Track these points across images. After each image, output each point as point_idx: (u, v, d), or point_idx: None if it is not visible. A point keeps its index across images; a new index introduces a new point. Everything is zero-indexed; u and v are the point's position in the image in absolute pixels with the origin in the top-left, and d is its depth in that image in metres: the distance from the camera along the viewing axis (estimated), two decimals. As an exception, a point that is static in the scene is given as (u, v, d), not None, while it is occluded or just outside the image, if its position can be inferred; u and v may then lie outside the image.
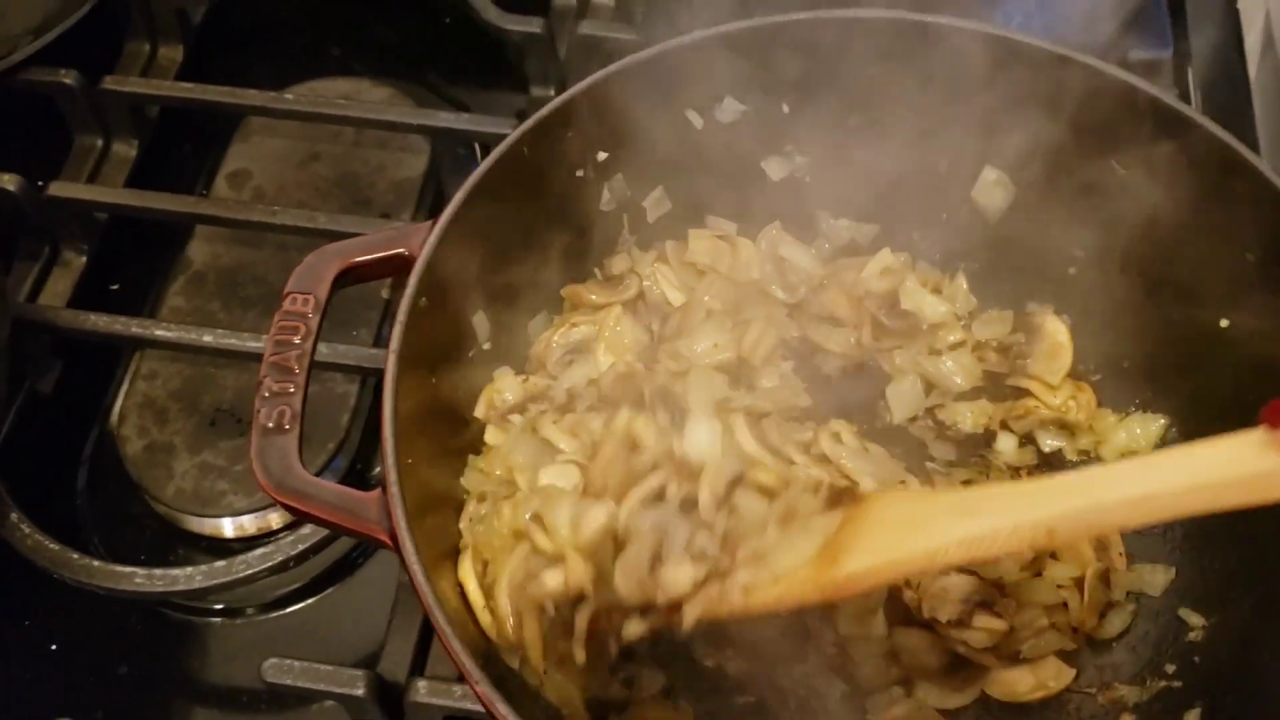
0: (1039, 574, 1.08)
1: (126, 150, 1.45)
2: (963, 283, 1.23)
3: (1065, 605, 1.06)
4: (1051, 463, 1.16)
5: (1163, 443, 1.14)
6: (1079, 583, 1.07)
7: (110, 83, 1.43)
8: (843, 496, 0.91)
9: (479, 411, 1.09)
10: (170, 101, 1.46)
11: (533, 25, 1.45)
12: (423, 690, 1.03)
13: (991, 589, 1.05)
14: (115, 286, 1.39)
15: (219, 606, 1.19)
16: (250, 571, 1.10)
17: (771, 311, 1.19)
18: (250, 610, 1.19)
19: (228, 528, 1.21)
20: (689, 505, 0.92)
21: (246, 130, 1.48)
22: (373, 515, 0.87)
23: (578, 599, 0.91)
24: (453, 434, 1.06)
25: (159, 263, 1.39)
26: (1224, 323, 1.05)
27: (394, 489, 0.86)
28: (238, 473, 1.22)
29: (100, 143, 1.45)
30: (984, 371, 1.20)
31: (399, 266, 0.97)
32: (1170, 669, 1.03)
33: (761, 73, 1.13)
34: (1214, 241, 1.04)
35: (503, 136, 1.04)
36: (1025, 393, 1.18)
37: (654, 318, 1.18)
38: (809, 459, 1.07)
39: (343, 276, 0.96)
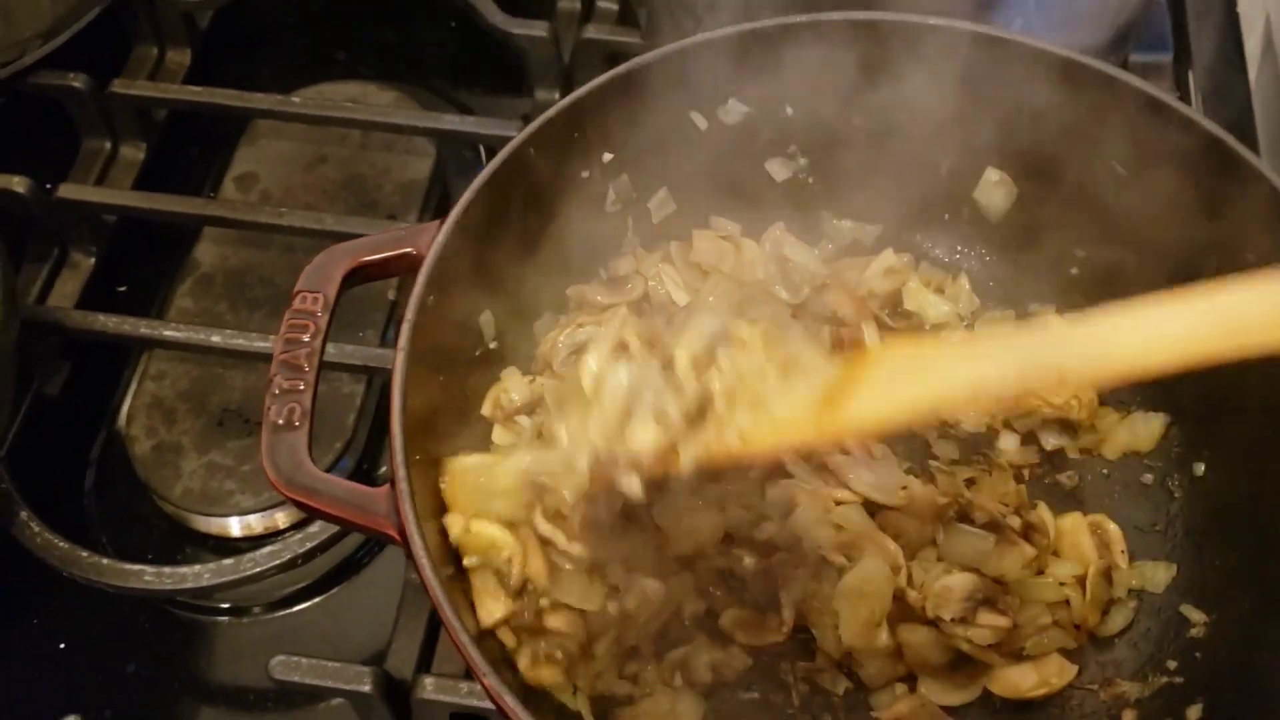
0: (1041, 572, 1.08)
1: (134, 153, 1.46)
2: (965, 283, 1.23)
3: (1067, 602, 1.07)
4: (1053, 461, 1.17)
5: (1164, 441, 1.15)
6: (1081, 580, 1.07)
7: (118, 86, 1.44)
8: (845, 342, 0.90)
9: (485, 410, 1.10)
10: (178, 105, 1.47)
11: (537, 29, 1.46)
12: (430, 687, 1.03)
13: (994, 586, 1.06)
14: (123, 288, 1.40)
15: (226, 605, 1.19)
16: (258, 570, 1.11)
17: (775, 311, 1.20)
18: (257, 609, 1.19)
19: (235, 527, 1.22)
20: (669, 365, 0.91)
21: (253, 133, 1.49)
22: (382, 510, 0.87)
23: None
24: (459, 432, 1.07)
25: (167, 264, 1.40)
26: (1224, 321, 1.05)
27: (403, 485, 0.86)
28: (245, 472, 1.23)
29: (108, 145, 1.45)
30: (986, 370, 1.20)
31: (407, 266, 0.98)
32: (1172, 665, 1.04)
33: (765, 75, 1.14)
34: (1214, 241, 1.04)
35: (508, 139, 1.05)
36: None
37: (659, 318, 1.19)
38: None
39: (351, 276, 0.97)
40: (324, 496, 0.88)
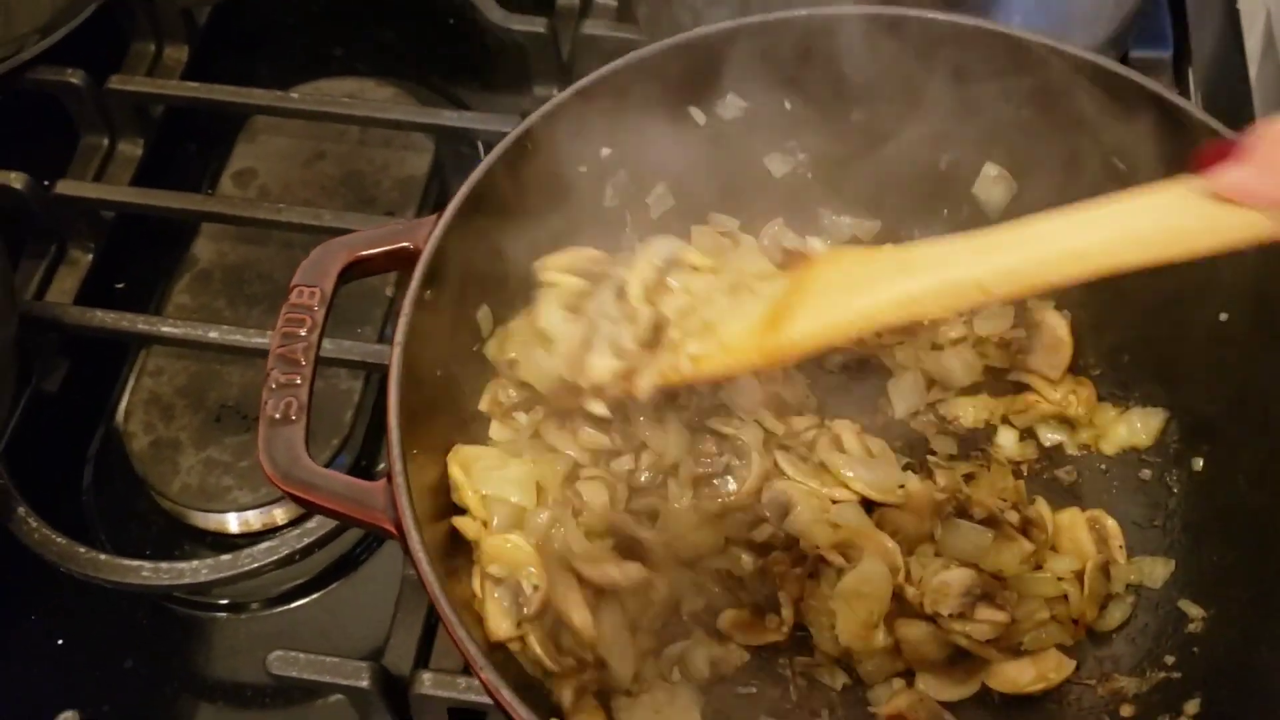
0: (1039, 567, 1.08)
1: (132, 149, 1.46)
2: (964, 279, 1.23)
3: (1065, 598, 1.07)
4: (1052, 457, 1.17)
5: (1163, 437, 1.15)
6: (1079, 575, 1.07)
7: (116, 82, 1.44)
8: (792, 259, 0.94)
9: (483, 406, 1.10)
10: (176, 101, 1.47)
11: (536, 25, 1.46)
12: (427, 682, 1.03)
13: (992, 582, 1.06)
14: (121, 284, 1.40)
15: (224, 601, 1.19)
16: (255, 565, 1.11)
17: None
18: (255, 605, 1.19)
19: (233, 523, 1.22)
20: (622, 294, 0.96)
21: (252, 130, 1.49)
22: (378, 504, 0.87)
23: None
24: (457, 427, 1.07)
25: (165, 261, 1.39)
26: (1223, 316, 1.05)
27: (399, 479, 0.86)
28: (243, 468, 1.22)
29: (106, 142, 1.45)
30: (985, 367, 1.20)
31: (404, 260, 0.98)
32: (1170, 660, 1.04)
33: (763, 69, 1.13)
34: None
35: (506, 135, 1.05)
36: (1026, 387, 1.18)
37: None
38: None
39: (348, 270, 0.97)
40: (320, 491, 0.88)
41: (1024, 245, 0.81)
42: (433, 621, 1.09)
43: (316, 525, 1.13)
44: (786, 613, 1.05)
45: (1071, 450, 1.17)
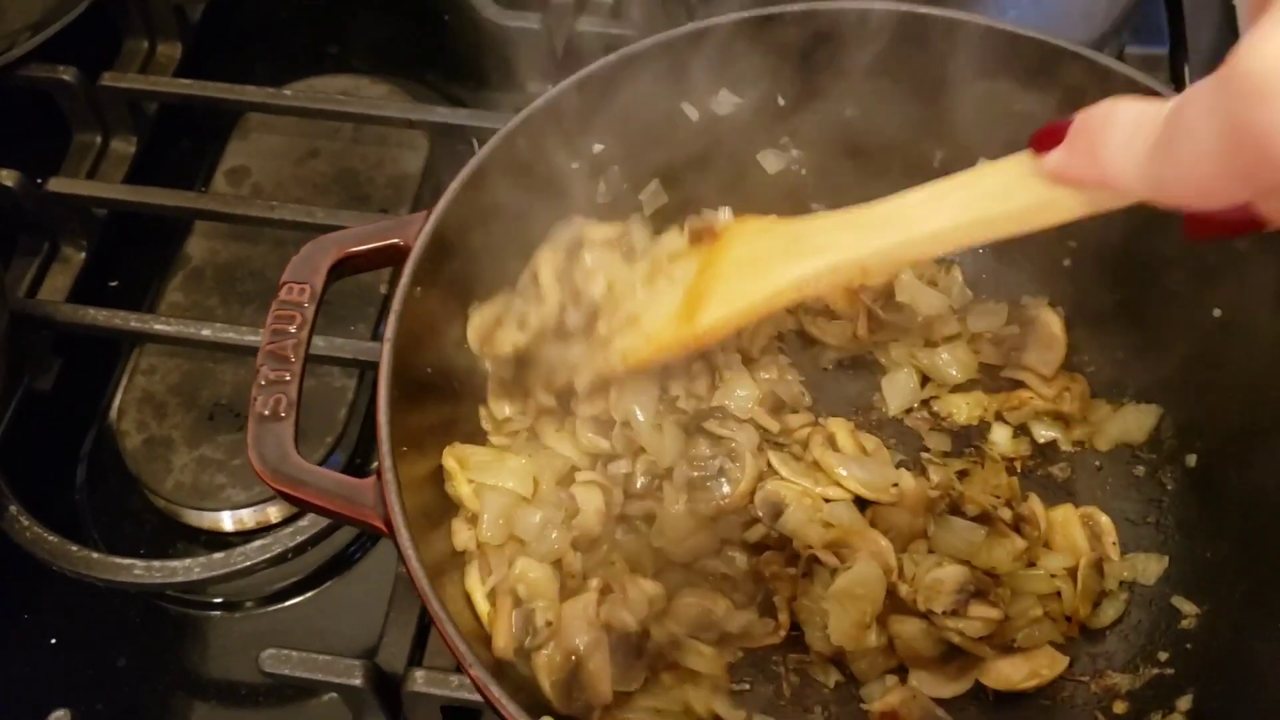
0: (1033, 564, 1.08)
1: (125, 147, 1.46)
2: (958, 275, 1.23)
3: (1059, 595, 1.07)
4: (1046, 453, 1.17)
5: (1156, 433, 1.15)
6: (1072, 572, 1.07)
7: (109, 79, 1.44)
8: (702, 234, 0.99)
9: (484, 425, 1.11)
10: (169, 98, 1.47)
11: (530, 21, 1.46)
12: (420, 680, 1.03)
13: (986, 579, 1.06)
14: (114, 282, 1.40)
15: (218, 600, 1.19)
16: (248, 563, 1.11)
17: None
18: (249, 603, 1.19)
19: (227, 521, 1.21)
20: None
21: (245, 127, 1.49)
22: (368, 501, 0.87)
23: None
24: (448, 425, 1.06)
25: (158, 259, 1.39)
26: (1216, 312, 1.05)
27: (389, 475, 0.86)
28: (236, 466, 1.22)
29: (99, 139, 1.45)
30: (979, 364, 1.20)
31: (395, 256, 0.98)
32: (1163, 656, 1.04)
33: (757, 65, 1.13)
34: (1207, 231, 1.04)
35: (499, 131, 1.05)
36: (1020, 384, 1.18)
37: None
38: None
39: (339, 266, 0.97)
40: (310, 487, 0.87)
41: (892, 228, 0.87)
42: (426, 620, 1.09)
43: (309, 523, 1.12)
44: (783, 617, 1.05)
45: (1065, 447, 1.17)
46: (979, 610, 1.03)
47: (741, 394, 1.14)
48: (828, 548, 1.06)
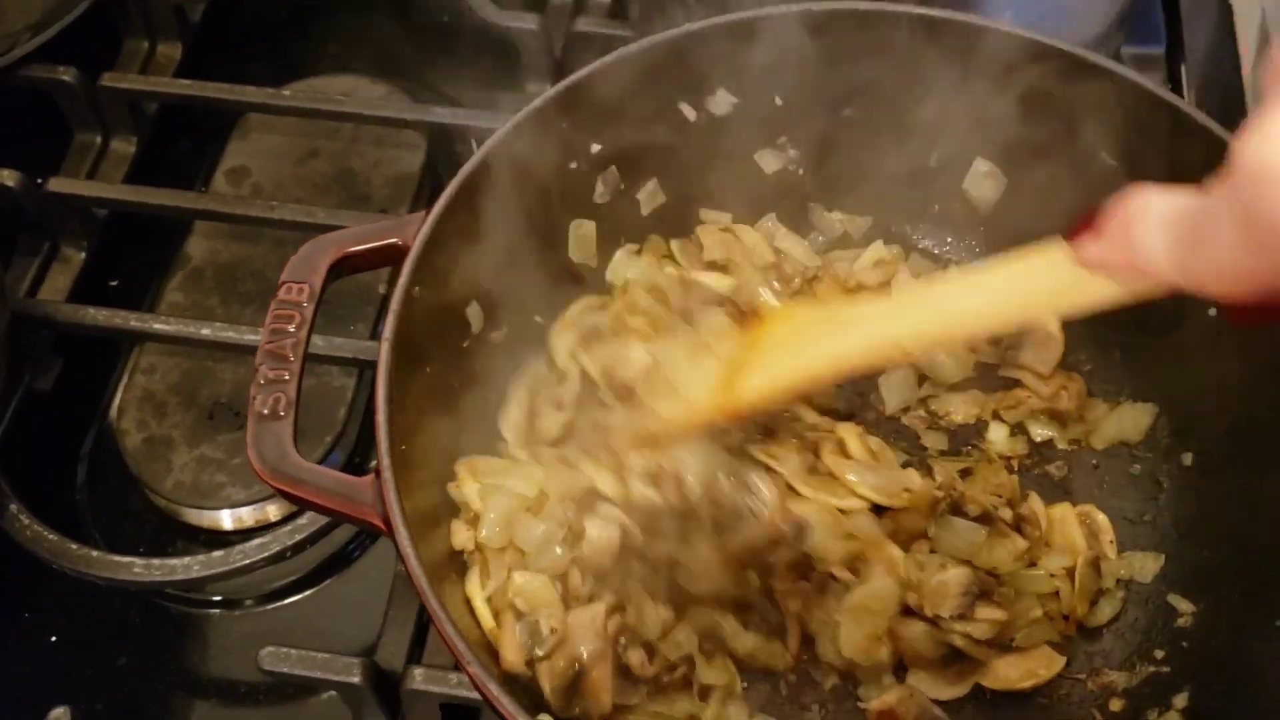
0: (1033, 564, 1.08)
1: (125, 147, 1.46)
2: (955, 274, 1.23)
3: (1057, 594, 1.07)
4: (1042, 452, 1.17)
5: (1153, 432, 1.15)
6: (1070, 571, 1.07)
7: (109, 79, 1.44)
8: (748, 316, 1.01)
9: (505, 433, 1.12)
10: (169, 98, 1.47)
11: (529, 22, 1.46)
12: (419, 678, 1.03)
13: (989, 579, 1.05)
14: (114, 282, 1.40)
15: (217, 598, 1.19)
16: (248, 561, 1.11)
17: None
18: (248, 602, 1.19)
19: (226, 520, 1.21)
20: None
21: (245, 127, 1.49)
22: (367, 499, 0.87)
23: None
24: (446, 422, 1.06)
25: (158, 259, 1.39)
26: (1212, 311, 1.05)
27: (387, 473, 0.86)
28: (236, 465, 1.22)
29: (99, 139, 1.45)
30: (976, 362, 1.20)
31: (393, 256, 0.98)
32: (1159, 654, 1.04)
33: (754, 65, 1.13)
34: (1202, 230, 1.04)
35: (497, 131, 1.05)
36: (1016, 383, 1.18)
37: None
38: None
39: (337, 266, 0.97)
40: (309, 486, 0.88)
41: (930, 308, 0.88)
42: (425, 618, 1.09)
43: (309, 522, 1.12)
44: (793, 641, 1.04)
45: (1062, 445, 1.17)
46: (985, 612, 1.03)
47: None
48: (844, 564, 1.05)
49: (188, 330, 1.25)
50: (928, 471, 1.14)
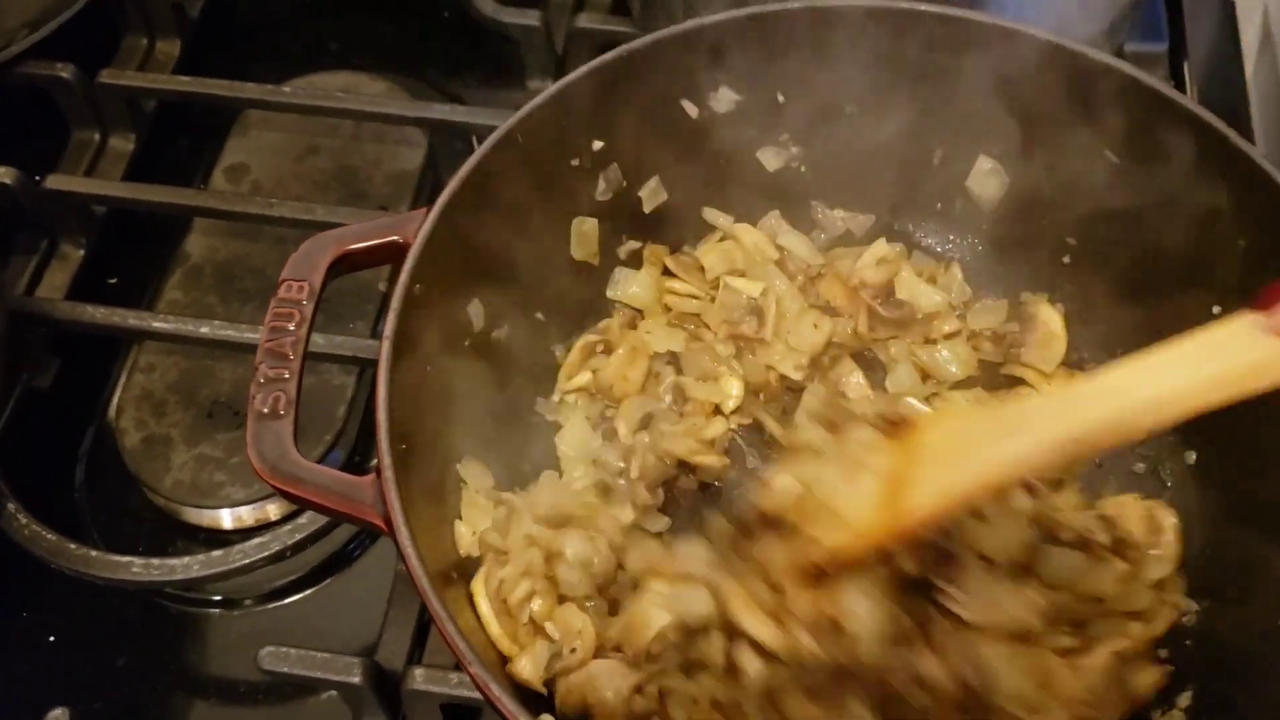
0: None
1: (124, 144, 1.46)
2: (958, 272, 1.23)
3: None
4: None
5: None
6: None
7: (107, 76, 1.44)
8: (898, 428, 0.90)
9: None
10: (167, 95, 1.47)
11: (530, 18, 1.46)
12: (420, 678, 1.03)
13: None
14: (113, 280, 1.39)
15: (217, 598, 1.19)
16: (247, 561, 1.11)
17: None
18: (248, 601, 1.19)
19: (226, 519, 1.21)
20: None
21: (244, 124, 1.49)
22: (367, 499, 0.87)
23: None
24: (446, 422, 1.06)
25: (156, 256, 1.39)
26: (1216, 309, 1.05)
27: (388, 473, 0.86)
28: (235, 464, 1.22)
29: (97, 136, 1.45)
30: (979, 361, 1.20)
31: (394, 253, 0.98)
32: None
33: (757, 62, 1.13)
34: (1206, 228, 1.04)
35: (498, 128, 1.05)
36: (1020, 381, 1.18)
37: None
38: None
39: (338, 264, 0.97)
40: (309, 485, 0.87)
41: (1108, 397, 0.81)
42: (425, 618, 1.09)
43: (309, 521, 1.12)
44: None
45: (1065, 444, 1.16)
46: None
47: None
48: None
49: (187, 328, 1.25)
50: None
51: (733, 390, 1.16)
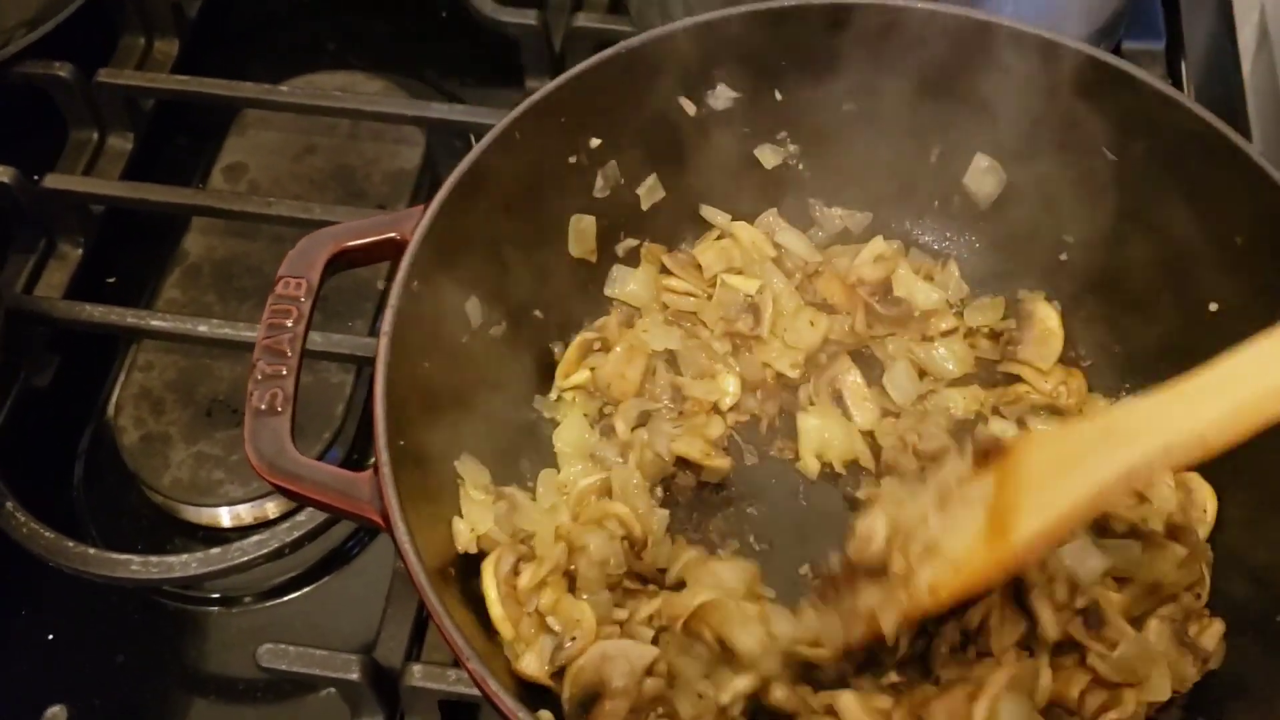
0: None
1: (122, 143, 1.46)
2: (955, 270, 1.23)
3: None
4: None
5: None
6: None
7: (105, 76, 1.44)
8: (989, 453, 0.87)
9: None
10: (166, 94, 1.47)
11: (528, 17, 1.46)
12: (418, 675, 1.03)
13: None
14: (112, 279, 1.40)
15: (215, 595, 1.19)
16: (246, 558, 1.11)
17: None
18: (247, 599, 1.19)
19: (224, 517, 1.21)
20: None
21: (242, 123, 1.49)
22: (364, 495, 0.87)
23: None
24: (445, 420, 1.06)
25: (155, 255, 1.39)
26: (1213, 306, 1.05)
27: (385, 469, 0.86)
28: (234, 462, 1.22)
29: (96, 136, 1.45)
30: (976, 358, 1.20)
31: (391, 251, 0.98)
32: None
33: (754, 60, 1.13)
34: (1203, 225, 1.05)
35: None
36: (1017, 379, 1.18)
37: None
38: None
39: (335, 261, 0.97)
40: (306, 481, 0.87)
41: (1229, 389, 0.77)
42: (424, 615, 1.09)
43: (307, 518, 1.12)
44: None
45: (1062, 441, 1.16)
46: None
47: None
48: None
49: (185, 327, 1.25)
50: None
51: (729, 388, 1.16)
